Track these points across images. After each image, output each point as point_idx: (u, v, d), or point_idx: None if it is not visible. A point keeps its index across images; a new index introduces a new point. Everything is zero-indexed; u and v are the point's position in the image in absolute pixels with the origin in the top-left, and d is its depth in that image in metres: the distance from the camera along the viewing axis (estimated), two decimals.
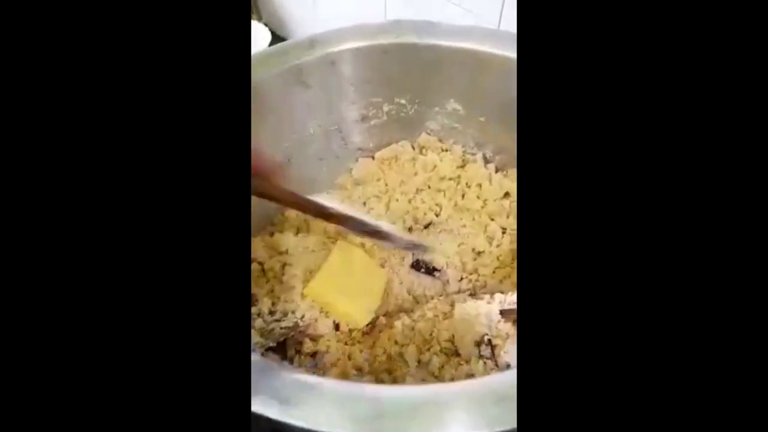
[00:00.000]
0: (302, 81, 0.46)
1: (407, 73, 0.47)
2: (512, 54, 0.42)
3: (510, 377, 0.25)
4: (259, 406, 0.23)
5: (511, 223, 0.49)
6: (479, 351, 0.40)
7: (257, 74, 0.43)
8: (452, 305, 0.44)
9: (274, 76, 0.44)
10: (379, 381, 0.41)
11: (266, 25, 0.87)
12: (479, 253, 0.49)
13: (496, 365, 0.39)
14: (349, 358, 0.42)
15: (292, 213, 0.51)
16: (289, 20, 0.96)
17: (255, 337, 0.41)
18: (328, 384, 0.24)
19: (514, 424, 0.23)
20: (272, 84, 0.44)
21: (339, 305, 0.43)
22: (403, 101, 0.50)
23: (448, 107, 0.50)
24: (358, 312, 0.43)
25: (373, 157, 0.54)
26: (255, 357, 0.27)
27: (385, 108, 0.51)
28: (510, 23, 0.55)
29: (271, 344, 0.42)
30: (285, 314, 0.45)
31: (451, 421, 0.23)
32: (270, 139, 0.46)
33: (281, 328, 0.44)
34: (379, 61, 0.46)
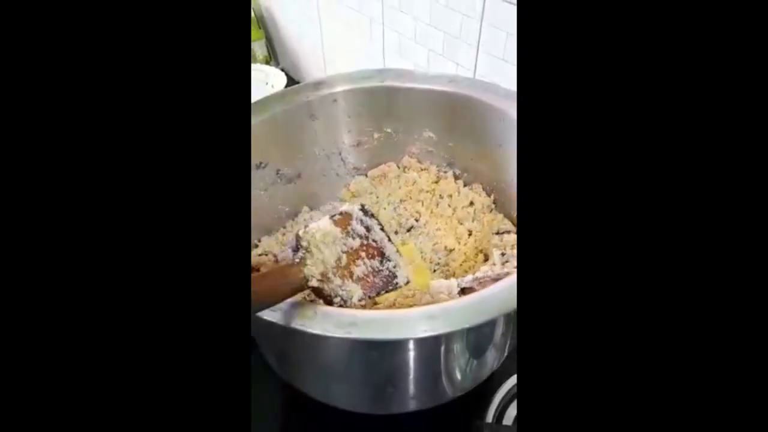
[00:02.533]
0: (311, 114, 0.58)
1: (391, 109, 0.58)
2: (471, 93, 0.54)
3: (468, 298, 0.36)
4: (267, 314, 0.34)
5: (475, 226, 0.59)
6: None
7: (276, 108, 0.55)
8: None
9: (289, 110, 0.55)
10: None
11: (283, 70, 1.02)
12: (450, 250, 0.57)
13: None
14: None
15: None
16: (302, 66, 1.12)
17: None
18: (321, 307, 0.36)
19: (471, 322, 0.32)
20: (287, 116, 0.56)
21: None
22: (389, 130, 0.61)
23: (425, 135, 0.60)
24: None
25: (366, 175, 0.63)
26: None
27: (375, 135, 0.61)
28: (483, 70, 0.67)
29: None
30: None
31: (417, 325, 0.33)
32: (285, 158, 0.58)
33: None
34: (368, 99, 0.58)
